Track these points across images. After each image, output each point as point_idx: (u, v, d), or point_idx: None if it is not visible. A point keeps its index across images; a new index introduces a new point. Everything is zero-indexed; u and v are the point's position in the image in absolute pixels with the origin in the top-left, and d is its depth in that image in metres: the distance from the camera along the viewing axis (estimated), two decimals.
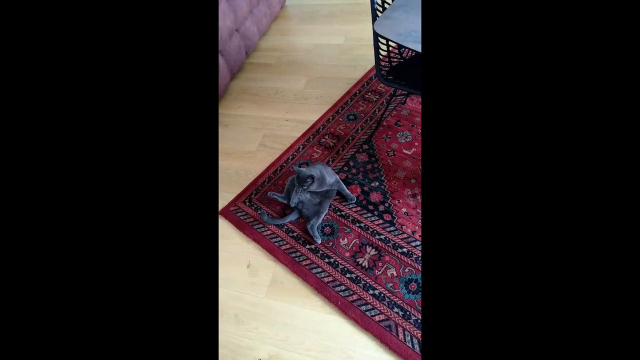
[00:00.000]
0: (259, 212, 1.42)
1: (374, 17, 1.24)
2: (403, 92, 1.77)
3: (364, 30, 2.35)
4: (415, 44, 1.01)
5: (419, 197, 1.39)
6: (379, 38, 1.27)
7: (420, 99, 1.79)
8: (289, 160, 1.62)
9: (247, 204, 1.48)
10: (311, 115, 1.82)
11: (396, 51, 1.49)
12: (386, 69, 1.43)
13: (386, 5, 1.36)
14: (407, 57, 1.49)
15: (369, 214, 1.36)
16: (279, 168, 1.59)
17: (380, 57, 1.33)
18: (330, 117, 1.78)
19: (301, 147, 1.67)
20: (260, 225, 1.39)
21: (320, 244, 1.30)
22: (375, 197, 1.42)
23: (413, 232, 1.29)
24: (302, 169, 1.29)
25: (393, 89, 1.84)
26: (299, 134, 1.73)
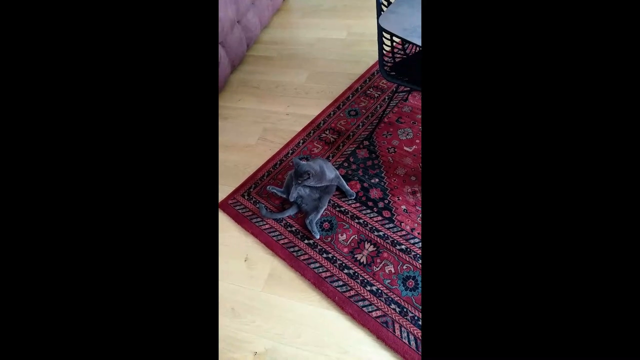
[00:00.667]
0: (258, 205, 1.41)
1: (379, 12, 1.23)
2: (405, 89, 1.76)
3: (367, 25, 2.33)
4: (420, 40, 1.00)
5: (418, 195, 1.39)
6: (384, 33, 1.25)
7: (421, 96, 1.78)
8: (289, 155, 1.61)
9: (246, 197, 1.47)
10: (312, 109, 1.80)
11: (400, 47, 1.48)
12: (389, 64, 1.42)
13: (391, 0, 1.35)
14: (410, 54, 1.48)
15: (368, 210, 1.36)
16: (278, 162, 1.58)
17: (384, 52, 1.32)
18: (332, 112, 1.77)
19: (301, 141, 1.66)
20: (259, 219, 1.38)
21: (319, 239, 1.29)
22: (374, 193, 1.41)
23: (412, 230, 1.29)
24: (302, 162, 1.28)
25: (395, 85, 1.83)
26: (299, 128, 1.72)
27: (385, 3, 1.31)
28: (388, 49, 1.40)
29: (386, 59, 1.38)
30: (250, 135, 1.73)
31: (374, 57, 2.05)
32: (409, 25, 1.07)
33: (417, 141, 1.58)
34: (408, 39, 1.02)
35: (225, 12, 1.87)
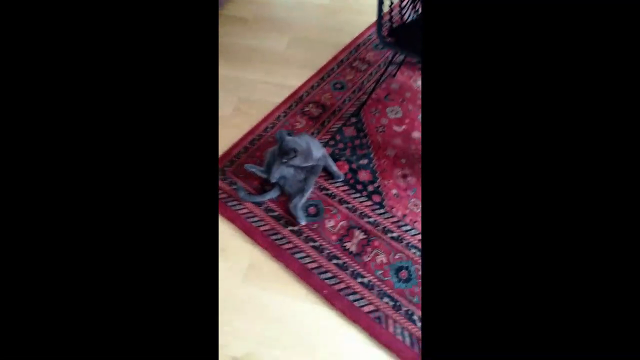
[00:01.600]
0: (234, 187, 1.23)
1: None
2: (395, 62, 1.62)
3: None
4: None
5: (409, 178, 1.29)
6: None
7: (410, 73, 1.66)
8: (268, 130, 1.42)
9: (221, 177, 1.28)
10: (293, 79, 1.61)
11: (397, 9, 1.33)
12: (387, 28, 1.26)
13: None
14: (407, 21, 1.34)
15: (358, 194, 1.24)
16: (256, 137, 1.40)
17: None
18: (315, 84, 1.59)
19: (282, 115, 1.48)
20: (236, 203, 1.20)
21: (304, 225, 1.15)
22: (363, 175, 1.29)
23: (404, 216, 1.19)
24: (287, 137, 1.11)
25: (389, 55, 1.68)
26: (279, 100, 1.53)
27: None
28: (386, 9, 1.24)
29: (384, 20, 1.22)
30: (223, 104, 1.51)
31: (359, 26, 1.88)
32: None
33: (407, 121, 1.47)
34: None
35: None
